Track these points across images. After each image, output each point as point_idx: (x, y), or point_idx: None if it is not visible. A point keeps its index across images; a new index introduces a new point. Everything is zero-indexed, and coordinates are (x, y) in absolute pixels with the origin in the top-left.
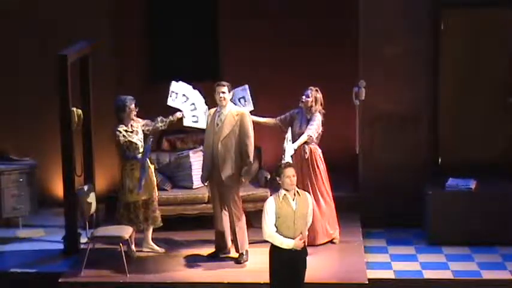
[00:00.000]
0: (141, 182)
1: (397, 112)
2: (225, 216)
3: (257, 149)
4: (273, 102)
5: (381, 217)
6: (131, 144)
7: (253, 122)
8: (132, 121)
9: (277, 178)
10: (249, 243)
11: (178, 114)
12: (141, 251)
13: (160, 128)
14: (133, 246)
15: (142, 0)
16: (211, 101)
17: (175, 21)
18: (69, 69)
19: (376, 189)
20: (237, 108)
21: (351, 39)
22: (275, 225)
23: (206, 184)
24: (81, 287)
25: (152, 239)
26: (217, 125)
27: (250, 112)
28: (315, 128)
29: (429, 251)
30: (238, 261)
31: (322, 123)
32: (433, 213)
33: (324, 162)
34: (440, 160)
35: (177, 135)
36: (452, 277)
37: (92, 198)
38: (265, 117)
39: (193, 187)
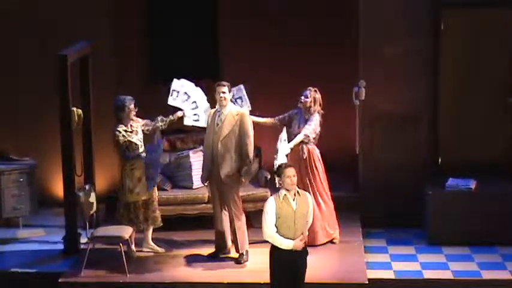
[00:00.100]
0: (153, 180)
1: (397, 112)
2: (225, 216)
3: (257, 149)
4: (273, 102)
5: (381, 217)
6: (130, 144)
7: (252, 122)
8: (131, 121)
9: (278, 178)
10: (249, 243)
11: (178, 113)
12: (141, 251)
13: (160, 128)
14: (133, 246)
15: (142, 0)
16: (211, 101)
17: (175, 21)
18: (69, 69)
19: (376, 189)
20: (237, 108)
21: (351, 39)
22: (275, 225)
23: (206, 184)
24: (81, 287)
25: (152, 239)
26: (217, 125)
27: (248, 112)
28: (312, 128)
29: (429, 251)
30: (238, 261)
31: (320, 123)
32: (433, 213)
33: (322, 162)
34: (440, 160)
35: (177, 135)
36: (452, 277)
37: (92, 198)
38: (264, 117)
39: (193, 187)
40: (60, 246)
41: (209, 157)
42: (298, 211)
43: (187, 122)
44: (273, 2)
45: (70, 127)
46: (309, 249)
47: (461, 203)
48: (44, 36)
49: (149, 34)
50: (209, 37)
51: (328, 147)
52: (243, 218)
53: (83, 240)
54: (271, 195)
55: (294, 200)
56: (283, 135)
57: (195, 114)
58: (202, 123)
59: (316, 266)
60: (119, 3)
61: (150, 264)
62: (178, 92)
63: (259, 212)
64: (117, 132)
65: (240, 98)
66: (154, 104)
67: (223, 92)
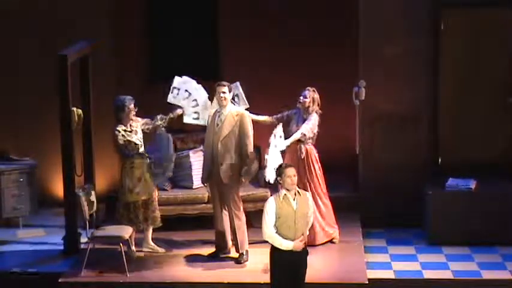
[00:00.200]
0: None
1: (397, 112)
2: (225, 216)
3: (257, 148)
4: (273, 102)
5: (381, 217)
6: (130, 144)
7: (252, 120)
8: (131, 121)
9: (278, 178)
10: (249, 243)
11: (178, 111)
12: (141, 251)
13: (160, 126)
14: (133, 247)
15: (142, 0)
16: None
17: (175, 21)
18: (69, 69)
19: (376, 189)
20: (237, 108)
21: (351, 39)
22: (276, 225)
23: (206, 184)
24: (81, 287)
25: (152, 239)
26: (217, 125)
27: (246, 109)
28: (309, 127)
29: (429, 251)
30: (238, 261)
31: (318, 123)
32: (433, 213)
33: (319, 162)
34: (440, 160)
35: (177, 135)
36: (452, 277)
37: (92, 198)
38: (262, 115)
39: (193, 187)
40: (60, 246)
41: (209, 157)
42: (298, 211)
43: (187, 120)
44: (273, 2)
45: (70, 127)
46: (309, 249)
47: (461, 203)
48: (44, 36)
49: (149, 34)
50: (209, 37)
51: (328, 147)
52: (243, 217)
53: (83, 240)
54: (271, 195)
55: (294, 199)
56: (278, 130)
57: (195, 113)
58: (202, 121)
59: (316, 266)
60: (119, 3)
61: (150, 264)
62: (179, 89)
63: (259, 212)
64: (117, 132)
65: (237, 95)
66: (154, 104)
67: (223, 92)
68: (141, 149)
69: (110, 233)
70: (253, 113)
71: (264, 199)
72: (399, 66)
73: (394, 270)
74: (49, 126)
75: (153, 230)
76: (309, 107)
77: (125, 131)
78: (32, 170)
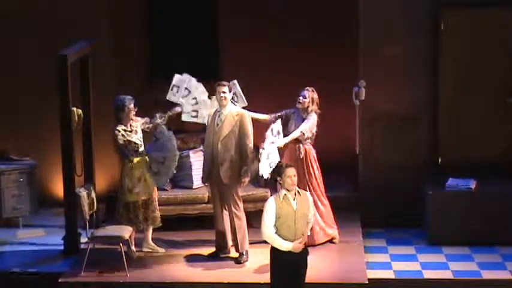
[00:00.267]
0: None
1: (397, 112)
2: (225, 216)
3: (256, 147)
4: (273, 102)
5: (381, 217)
6: (130, 144)
7: (251, 118)
8: (131, 121)
9: (278, 178)
10: (249, 243)
11: (177, 109)
12: (141, 251)
13: (160, 124)
14: (133, 247)
15: (142, 0)
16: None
17: (175, 21)
18: (69, 69)
19: (376, 189)
20: (237, 108)
21: (351, 39)
22: (276, 225)
23: (206, 184)
24: (81, 287)
25: (152, 239)
26: (217, 125)
27: (244, 108)
28: (308, 126)
29: (429, 251)
30: (238, 261)
31: (317, 123)
32: (433, 213)
33: (317, 162)
34: (440, 160)
35: (177, 135)
36: (452, 277)
37: (92, 198)
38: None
39: (193, 187)
40: (60, 246)
41: (209, 157)
42: (298, 211)
43: (185, 118)
44: (273, 2)
45: (70, 127)
46: (309, 249)
47: (461, 203)
48: (44, 36)
49: (149, 34)
50: (209, 37)
51: (328, 147)
52: (243, 217)
53: (83, 240)
54: (271, 195)
55: (294, 199)
56: (277, 126)
57: (193, 111)
58: (200, 119)
59: (316, 266)
60: (119, 3)
61: (150, 264)
62: (178, 87)
63: (259, 212)
64: (117, 132)
65: (235, 93)
66: (154, 103)
67: (224, 92)
68: (141, 149)
69: (110, 233)
70: (252, 111)
71: (264, 199)
72: (399, 66)
73: (394, 270)
74: (49, 126)
75: (153, 230)
76: (308, 107)
77: (124, 130)
78: (32, 170)
